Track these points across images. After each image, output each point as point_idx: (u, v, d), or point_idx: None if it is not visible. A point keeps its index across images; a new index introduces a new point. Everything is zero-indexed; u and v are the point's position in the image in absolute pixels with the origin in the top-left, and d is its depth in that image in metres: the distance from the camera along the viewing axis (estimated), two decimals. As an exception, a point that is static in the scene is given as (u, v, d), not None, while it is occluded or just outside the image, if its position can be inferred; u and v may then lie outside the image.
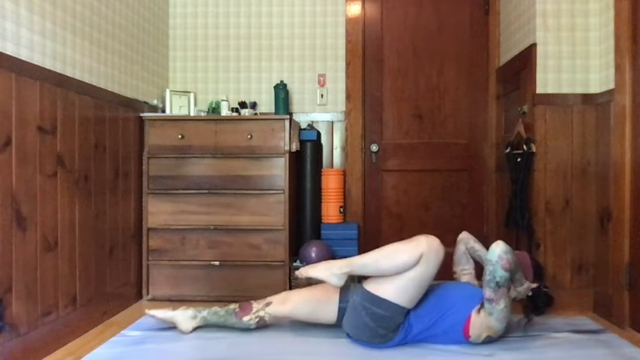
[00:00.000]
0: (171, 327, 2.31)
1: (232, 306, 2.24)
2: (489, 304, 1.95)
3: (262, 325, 2.23)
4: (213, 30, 3.46)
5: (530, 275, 2.10)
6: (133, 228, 2.84)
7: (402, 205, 3.48)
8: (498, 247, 1.92)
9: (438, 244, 1.95)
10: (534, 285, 2.08)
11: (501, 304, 1.94)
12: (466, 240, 2.34)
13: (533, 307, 2.14)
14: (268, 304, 2.21)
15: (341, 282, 2.03)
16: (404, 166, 3.47)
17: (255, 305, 2.22)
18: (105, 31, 2.55)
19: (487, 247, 2.35)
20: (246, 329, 2.23)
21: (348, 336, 2.16)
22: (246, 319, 2.19)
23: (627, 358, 1.95)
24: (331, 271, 2.03)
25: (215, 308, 2.25)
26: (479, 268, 2.32)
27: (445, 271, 3.11)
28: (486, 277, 1.94)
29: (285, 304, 2.18)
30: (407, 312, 2.02)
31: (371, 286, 2.00)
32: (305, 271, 2.09)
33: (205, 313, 2.24)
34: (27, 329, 1.92)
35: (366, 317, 2.00)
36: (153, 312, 2.27)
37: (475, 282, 2.31)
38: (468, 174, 3.46)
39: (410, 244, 1.94)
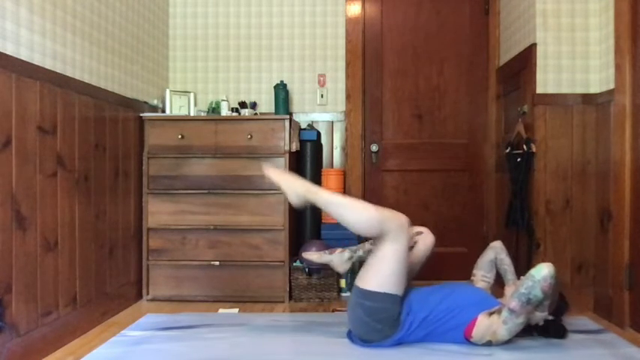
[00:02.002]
0: (172, 327, 2.31)
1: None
2: (510, 314, 1.95)
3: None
4: (213, 30, 3.46)
5: (552, 308, 2.10)
6: (133, 228, 2.84)
7: (402, 205, 3.47)
8: (547, 269, 1.91)
9: (404, 220, 1.98)
10: (550, 317, 2.10)
11: (520, 319, 1.95)
12: (498, 250, 2.34)
13: (542, 333, 2.15)
14: (419, 234, 2.26)
15: (298, 202, 2.04)
16: (404, 166, 3.47)
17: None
18: (105, 31, 2.55)
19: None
20: None
21: (349, 336, 2.16)
22: None
23: (627, 358, 1.95)
24: (295, 189, 2.04)
25: (368, 246, 2.26)
26: (499, 279, 2.35)
27: (442, 270, 3.11)
28: (521, 289, 1.93)
29: (427, 239, 2.25)
30: (400, 302, 2.00)
31: (361, 282, 2.01)
32: (269, 172, 2.10)
33: (361, 252, 2.28)
34: (27, 329, 1.92)
35: (362, 312, 2.00)
36: (308, 255, 2.31)
37: (489, 292, 2.31)
38: (468, 174, 3.46)
39: (383, 216, 1.94)
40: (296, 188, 2.05)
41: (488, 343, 2.03)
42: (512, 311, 1.94)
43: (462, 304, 2.03)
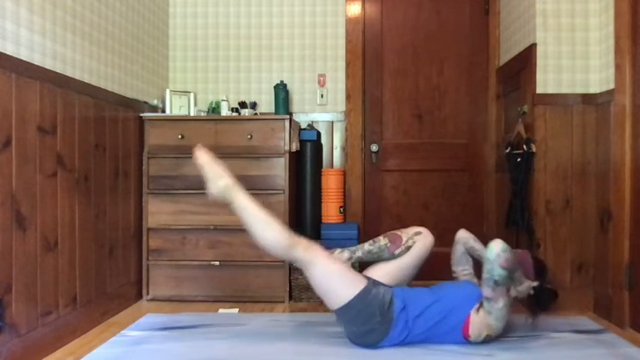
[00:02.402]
0: (172, 327, 2.31)
1: (383, 242, 2.23)
2: (488, 302, 1.95)
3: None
4: (213, 30, 3.46)
5: (532, 274, 2.10)
6: (133, 228, 2.84)
7: (402, 205, 3.48)
8: (496, 246, 1.92)
9: (308, 243, 2.00)
10: (535, 284, 2.08)
11: (500, 303, 1.94)
12: (465, 240, 2.31)
13: (538, 305, 2.13)
14: (417, 234, 2.23)
15: (217, 194, 2.03)
16: (404, 166, 3.47)
17: (404, 236, 2.23)
18: (105, 31, 2.55)
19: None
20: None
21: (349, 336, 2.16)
22: (397, 252, 2.21)
23: (627, 358, 1.95)
24: (217, 182, 2.02)
25: (367, 247, 2.25)
26: (478, 267, 2.32)
27: (443, 270, 3.11)
28: (485, 275, 1.94)
29: (426, 239, 2.23)
30: (372, 289, 2.00)
31: (334, 305, 2.01)
32: (200, 155, 2.07)
33: (360, 253, 2.26)
34: (27, 329, 1.92)
35: (352, 327, 2.02)
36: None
37: (475, 280, 2.30)
38: (468, 174, 3.46)
39: (291, 241, 1.96)
40: (219, 180, 2.02)
41: (488, 338, 2.03)
42: (488, 299, 1.95)
43: (453, 303, 2.03)
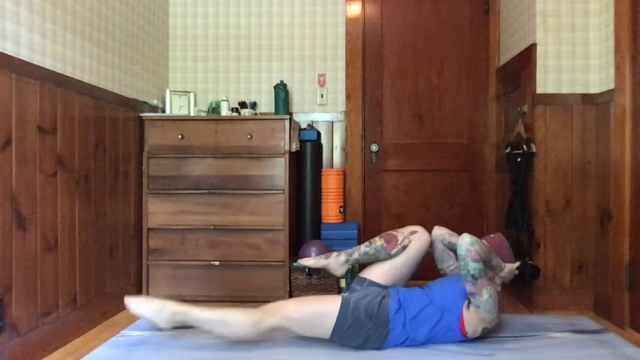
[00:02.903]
0: (172, 327, 2.31)
1: (379, 242, 2.23)
2: (473, 297, 1.96)
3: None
4: (213, 30, 3.46)
5: (511, 256, 2.10)
6: (133, 228, 2.84)
7: (402, 205, 3.48)
8: (463, 241, 1.92)
9: (275, 304, 2.02)
10: (517, 264, 2.09)
11: (484, 295, 1.94)
12: (441, 237, 2.28)
13: (521, 281, 2.14)
14: (413, 233, 2.23)
15: (165, 325, 2.02)
16: (404, 166, 3.47)
17: (400, 236, 2.23)
18: (105, 31, 2.55)
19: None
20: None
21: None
22: (393, 252, 2.21)
23: (627, 358, 1.95)
24: (160, 312, 2.01)
25: (364, 248, 2.25)
26: None
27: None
28: (462, 271, 1.95)
29: (422, 238, 2.22)
30: (350, 301, 2.01)
31: (325, 337, 2.03)
32: (130, 304, 2.04)
33: (356, 255, 2.25)
34: (27, 329, 1.92)
35: (352, 343, 2.02)
36: (304, 261, 2.29)
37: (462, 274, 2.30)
38: (468, 174, 3.46)
39: (255, 318, 1.97)
40: (162, 312, 2.00)
41: (487, 331, 2.03)
42: (472, 294, 1.95)
43: (446, 303, 2.03)
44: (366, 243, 2.25)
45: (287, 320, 1.98)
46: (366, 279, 2.19)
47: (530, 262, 2.15)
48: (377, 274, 2.19)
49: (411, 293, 2.10)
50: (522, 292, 2.19)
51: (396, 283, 2.20)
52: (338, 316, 1.98)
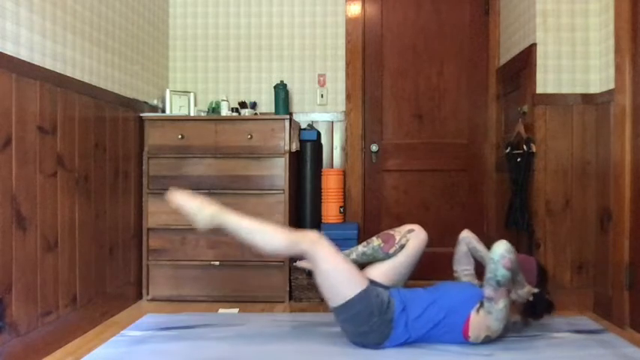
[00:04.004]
0: (172, 327, 2.31)
1: (376, 242, 2.24)
2: (489, 302, 1.95)
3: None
4: (213, 30, 3.46)
5: (534, 280, 2.10)
6: (133, 228, 2.84)
7: (402, 205, 3.48)
8: (501, 246, 1.92)
9: (314, 235, 2.00)
10: (535, 290, 2.09)
11: (500, 304, 1.94)
12: (468, 240, 2.31)
13: (532, 312, 2.13)
14: (410, 232, 2.23)
15: (203, 226, 2.01)
16: (404, 166, 3.47)
17: (397, 235, 2.23)
18: (105, 31, 2.55)
19: (489, 247, 2.36)
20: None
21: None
22: (391, 251, 2.21)
23: (627, 358, 1.95)
24: (202, 210, 2.01)
25: (361, 249, 2.26)
26: (479, 268, 2.32)
27: (443, 270, 3.11)
28: (488, 274, 1.94)
29: (420, 236, 2.22)
30: (374, 291, 2.00)
31: (334, 302, 2.01)
32: (175, 197, 2.05)
33: (354, 256, 2.26)
34: (27, 329, 1.92)
35: (351, 326, 2.01)
36: (301, 263, 2.28)
37: (476, 282, 2.30)
38: (468, 174, 3.46)
39: (292, 239, 1.97)
40: (203, 212, 2.01)
41: (488, 339, 2.03)
42: (489, 299, 1.94)
43: (453, 304, 2.03)
44: (364, 243, 2.25)
45: (317, 260, 1.97)
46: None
47: (547, 296, 2.14)
48: (376, 273, 2.19)
49: (412, 293, 2.09)
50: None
51: (395, 282, 2.20)
52: (356, 295, 1.96)
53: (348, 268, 2.00)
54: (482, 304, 1.99)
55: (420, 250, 2.22)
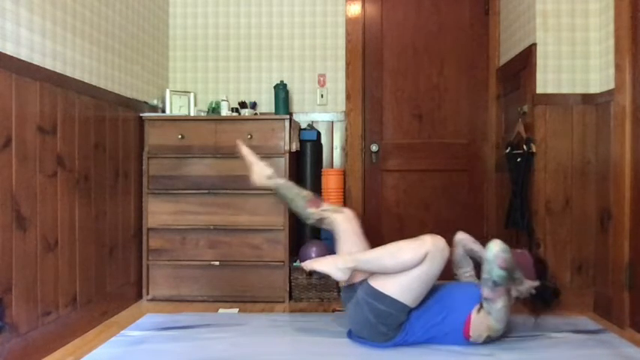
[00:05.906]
0: (171, 327, 2.31)
1: (305, 193, 2.28)
2: (487, 303, 1.95)
3: (317, 225, 2.28)
4: (213, 30, 3.46)
5: (532, 274, 2.09)
6: (133, 228, 2.84)
7: (402, 205, 3.48)
8: (495, 246, 1.92)
9: (444, 244, 1.94)
10: (536, 283, 2.08)
11: (499, 304, 1.94)
12: (464, 242, 2.30)
13: (541, 304, 2.12)
14: (337, 212, 2.24)
15: (345, 276, 2.02)
16: (404, 166, 3.47)
17: (326, 206, 2.26)
18: (105, 31, 2.55)
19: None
20: (304, 219, 2.30)
21: (349, 336, 2.16)
22: (311, 210, 2.24)
23: (627, 358, 1.95)
24: (336, 266, 2.02)
25: (291, 184, 2.30)
26: (479, 269, 2.31)
27: (443, 270, 3.11)
28: (484, 275, 1.94)
29: (346, 223, 2.22)
30: (409, 311, 2.01)
31: (375, 282, 1.99)
32: (310, 264, 2.09)
33: (282, 182, 2.31)
34: (27, 329, 1.92)
35: (369, 313, 1.99)
36: (244, 149, 2.37)
37: (477, 281, 2.29)
38: (468, 174, 3.46)
39: (415, 243, 1.93)
40: (338, 266, 2.02)
41: (489, 339, 2.03)
42: (488, 299, 1.95)
43: (453, 303, 2.03)
44: (298, 186, 2.33)
45: (425, 258, 1.93)
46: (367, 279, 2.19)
47: (550, 284, 2.13)
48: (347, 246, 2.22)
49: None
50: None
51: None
52: (398, 301, 1.95)
53: (425, 288, 1.97)
54: (482, 305, 1.99)
55: (354, 232, 2.22)
